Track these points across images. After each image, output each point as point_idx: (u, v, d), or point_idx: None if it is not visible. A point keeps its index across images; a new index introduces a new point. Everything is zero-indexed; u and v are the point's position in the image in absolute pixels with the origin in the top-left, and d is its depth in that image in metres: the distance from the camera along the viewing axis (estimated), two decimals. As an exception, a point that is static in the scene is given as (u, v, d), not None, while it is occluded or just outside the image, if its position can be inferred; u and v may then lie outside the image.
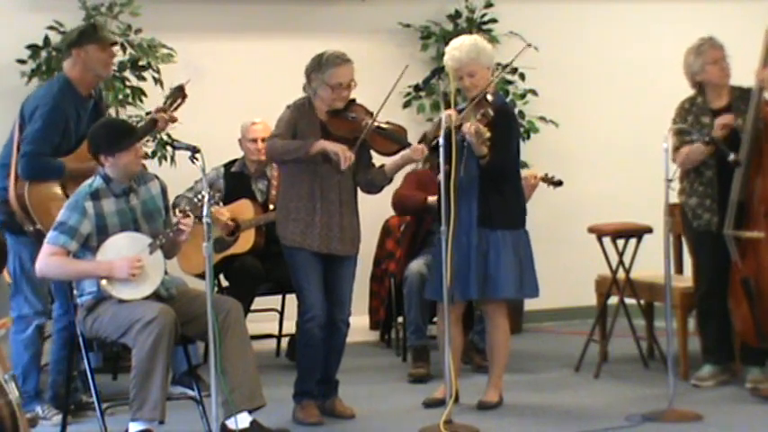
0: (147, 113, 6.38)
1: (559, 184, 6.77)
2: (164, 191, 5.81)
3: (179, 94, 6.34)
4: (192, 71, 6.60)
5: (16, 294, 6.11)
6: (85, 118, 6.06)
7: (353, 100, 6.06)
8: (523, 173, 6.83)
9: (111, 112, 7.33)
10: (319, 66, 5.96)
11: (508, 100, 8.24)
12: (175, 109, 6.32)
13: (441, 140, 5.79)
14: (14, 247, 6.01)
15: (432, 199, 6.64)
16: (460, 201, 5.99)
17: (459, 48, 6.10)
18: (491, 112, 5.93)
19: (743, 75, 6.56)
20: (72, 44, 6.05)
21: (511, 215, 6.13)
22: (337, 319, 6.09)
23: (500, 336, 6.25)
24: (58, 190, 5.94)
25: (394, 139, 6.06)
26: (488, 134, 5.83)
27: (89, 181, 5.63)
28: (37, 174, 5.91)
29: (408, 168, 6.69)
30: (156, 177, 5.81)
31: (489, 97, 6.01)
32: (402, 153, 6.06)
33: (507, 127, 6.08)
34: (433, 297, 6.21)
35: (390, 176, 6.16)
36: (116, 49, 6.28)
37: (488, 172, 5.98)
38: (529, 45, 6.17)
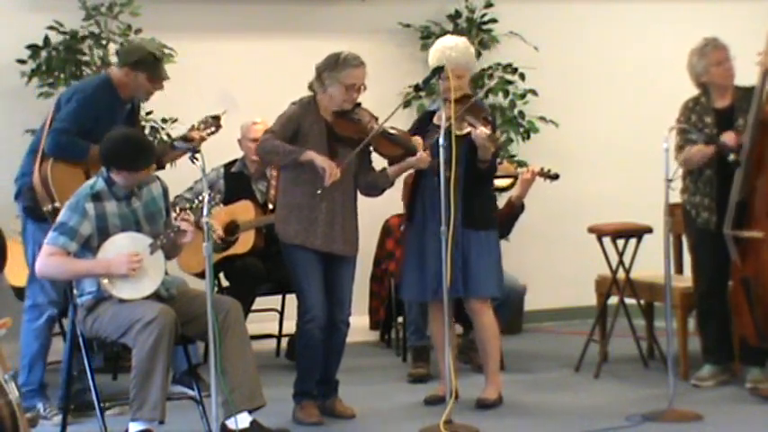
0: (183, 137, 6.47)
1: (556, 177, 6.77)
2: (165, 192, 5.81)
3: (214, 122, 6.52)
4: (228, 102, 6.64)
5: (33, 282, 6.15)
6: (121, 118, 6.16)
7: (359, 103, 6.07)
8: (519, 169, 6.85)
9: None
10: (336, 65, 5.96)
11: (508, 100, 8.27)
12: (208, 134, 6.48)
13: (441, 141, 5.79)
14: (35, 234, 6.08)
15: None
16: (441, 201, 5.98)
17: (454, 48, 6.13)
18: (490, 117, 5.97)
19: (744, 75, 6.55)
20: (127, 63, 6.15)
21: (491, 217, 6.25)
22: (337, 319, 6.09)
23: (488, 333, 6.27)
24: (80, 175, 5.99)
25: (401, 144, 6.07)
26: (501, 139, 5.87)
27: (90, 181, 5.63)
28: (61, 149, 6.00)
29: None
30: (158, 178, 5.81)
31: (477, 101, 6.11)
32: (407, 159, 6.07)
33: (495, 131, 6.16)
34: (407, 296, 6.38)
35: (392, 180, 6.18)
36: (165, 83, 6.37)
37: (480, 174, 6.02)
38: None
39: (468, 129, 5.96)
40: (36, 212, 6.04)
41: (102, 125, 5.99)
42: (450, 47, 6.14)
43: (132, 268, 5.46)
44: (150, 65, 6.15)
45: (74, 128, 6.01)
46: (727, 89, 6.54)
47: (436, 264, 6.05)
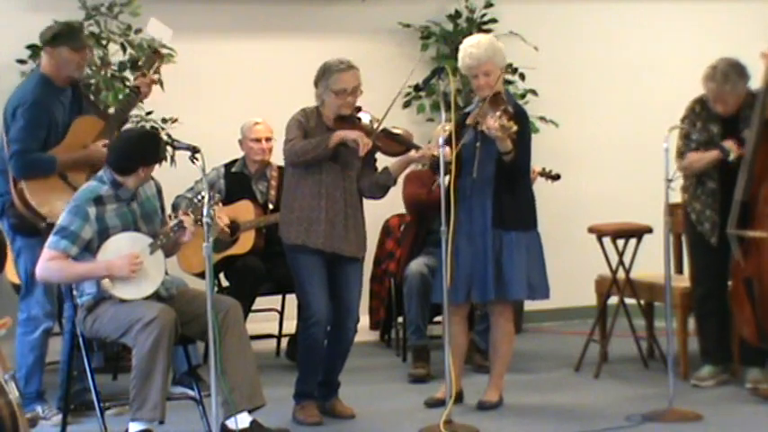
0: (132, 90, 6.36)
1: (557, 177, 6.76)
2: (159, 191, 5.82)
3: (154, 57, 6.39)
4: (161, 31, 6.56)
5: (27, 296, 6.11)
6: (67, 105, 6.09)
7: (359, 107, 6.06)
8: None
9: (111, 111, 7.33)
10: (323, 73, 5.97)
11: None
12: (155, 72, 6.36)
13: (441, 140, 5.78)
14: (27, 250, 6.03)
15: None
16: (474, 202, 6.01)
17: (477, 45, 6.08)
18: (510, 109, 5.92)
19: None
20: (46, 43, 6.09)
21: (524, 216, 6.13)
22: (345, 325, 6.08)
23: (504, 336, 6.25)
24: (57, 181, 5.95)
25: (402, 141, 6.07)
26: (515, 127, 5.78)
27: (91, 184, 5.61)
28: (29, 171, 5.93)
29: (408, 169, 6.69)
30: (152, 177, 5.79)
31: (504, 96, 6.02)
32: (408, 154, 6.06)
33: (524, 126, 6.06)
34: (438, 299, 6.13)
35: (395, 177, 6.14)
36: (89, 51, 6.32)
37: (510, 171, 5.97)
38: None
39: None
40: (24, 229, 5.99)
41: (56, 124, 5.98)
42: (472, 44, 6.09)
43: (133, 270, 5.46)
44: (67, 35, 6.07)
45: (32, 145, 5.92)
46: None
47: (467, 266, 6.03)
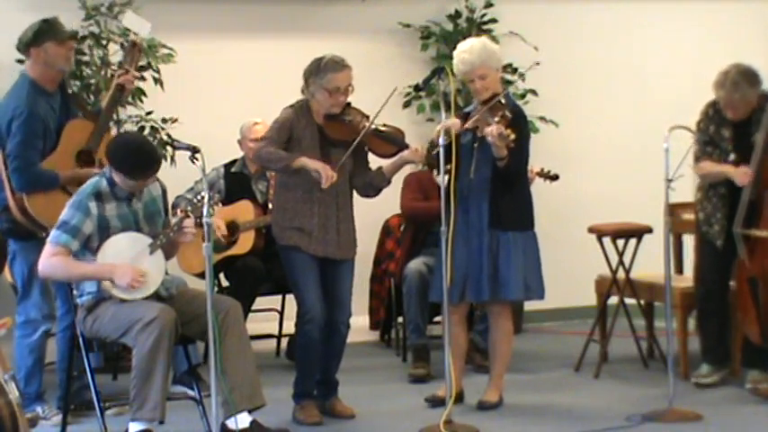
0: (117, 88, 6.25)
1: (555, 178, 6.76)
2: (164, 192, 5.83)
3: (133, 50, 6.31)
4: (140, 26, 6.53)
5: (24, 299, 6.09)
6: (57, 110, 6.06)
7: (349, 103, 6.05)
8: None
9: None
10: (318, 70, 5.95)
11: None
12: (136, 66, 6.33)
13: (441, 141, 5.78)
14: (22, 253, 6.01)
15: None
16: (471, 203, 6.01)
17: (469, 51, 6.08)
18: (509, 114, 5.91)
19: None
20: (29, 44, 6.05)
21: (521, 217, 6.13)
22: (338, 321, 6.08)
23: (503, 336, 6.25)
24: (57, 191, 5.94)
25: (392, 141, 6.06)
26: (513, 136, 5.78)
27: (93, 180, 5.61)
28: (33, 185, 5.91)
29: (407, 170, 6.69)
30: (157, 179, 5.79)
31: (502, 100, 6.00)
32: (401, 154, 6.05)
33: (521, 129, 6.05)
34: (439, 299, 6.12)
35: (389, 178, 6.14)
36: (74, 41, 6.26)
37: (505, 174, 5.97)
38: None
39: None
40: (18, 233, 5.96)
41: (50, 131, 5.96)
42: (465, 50, 6.09)
43: (134, 285, 5.44)
44: (49, 30, 6.02)
45: (34, 158, 5.90)
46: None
47: (463, 267, 6.03)
